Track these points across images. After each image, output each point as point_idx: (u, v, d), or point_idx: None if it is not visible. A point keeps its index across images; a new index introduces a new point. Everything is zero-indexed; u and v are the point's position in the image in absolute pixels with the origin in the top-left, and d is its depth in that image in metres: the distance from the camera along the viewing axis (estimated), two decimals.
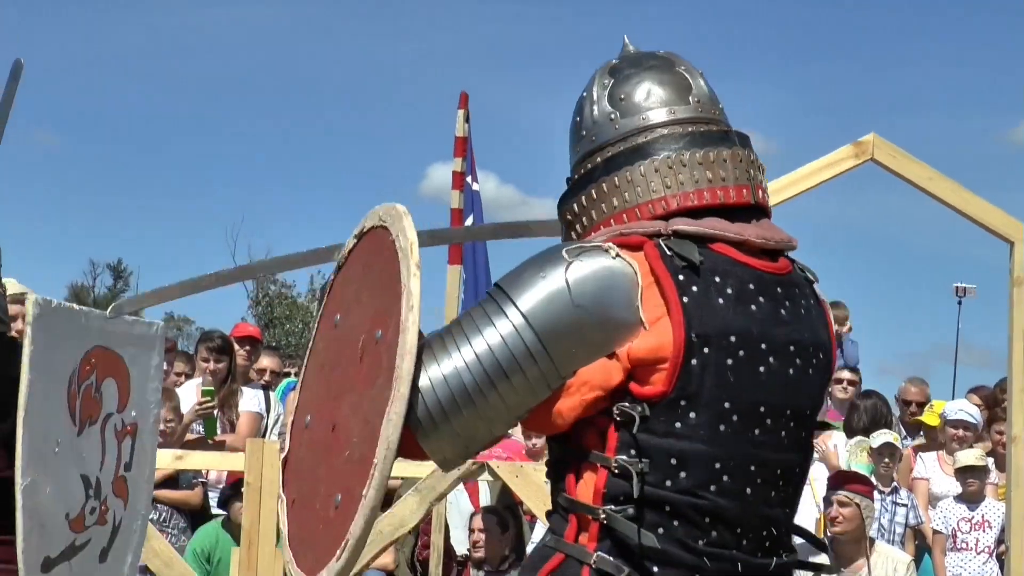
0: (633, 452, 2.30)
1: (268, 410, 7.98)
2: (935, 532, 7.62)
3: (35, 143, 51.06)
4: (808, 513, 7.86)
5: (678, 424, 2.30)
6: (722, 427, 2.32)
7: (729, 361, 2.32)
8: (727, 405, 2.32)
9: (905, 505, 7.59)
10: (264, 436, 7.71)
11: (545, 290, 2.30)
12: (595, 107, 2.54)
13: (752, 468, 2.35)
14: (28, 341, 3.29)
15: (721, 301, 2.33)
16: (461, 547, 7.50)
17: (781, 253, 2.49)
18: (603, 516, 2.31)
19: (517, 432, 8.10)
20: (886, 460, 7.61)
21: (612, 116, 2.51)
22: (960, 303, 23.90)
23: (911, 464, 8.09)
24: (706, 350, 2.30)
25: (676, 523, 2.31)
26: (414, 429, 2.29)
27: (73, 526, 3.38)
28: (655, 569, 2.29)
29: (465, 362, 2.28)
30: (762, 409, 2.35)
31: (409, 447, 2.31)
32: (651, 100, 2.50)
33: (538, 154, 56.10)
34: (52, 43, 49.92)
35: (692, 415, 2.30)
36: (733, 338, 2.33)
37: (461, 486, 6.95)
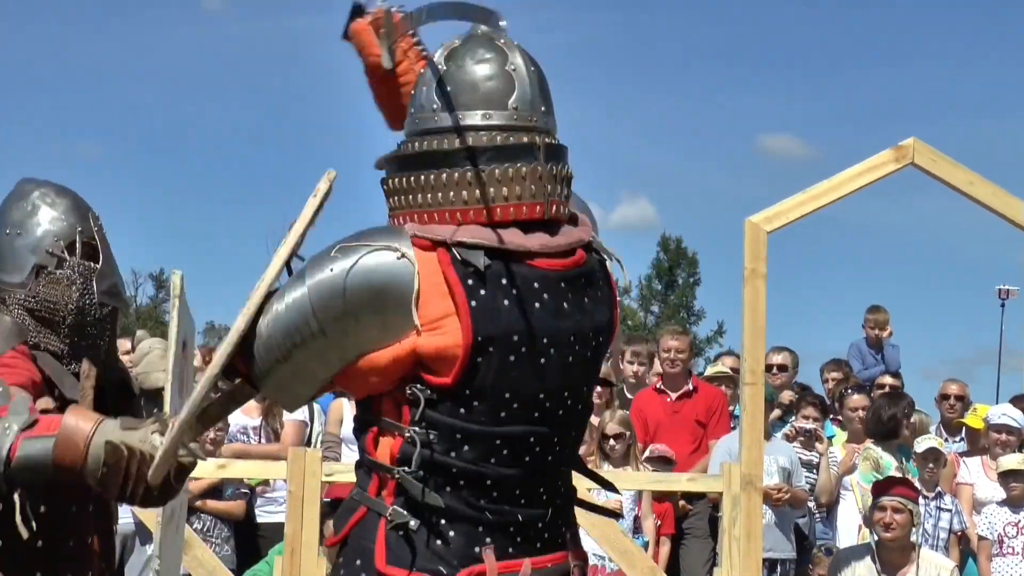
0: (424, 425, 2.61)
1: (312, 419, 8.01)
2: (980, 538, 7.56)
3: (78, 153, 51.51)
4: (852, 520, 7.85)
5: (462, 410, 2.61)
6: (503, 413, 2.62)
7: (512, 358, 2.60)
8: (507, 396, 2.62)
9: (949, 510, 7.54)
10: (309, 445, 7.73)
11: (329, 281, 2.59)
12: (425, 90, 2.71)
13: (531, 440, 2.66)
14: (177, 314, 3.57)
15: (506, 303, 2.59)
16: None
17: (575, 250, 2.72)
18: (397, 476, 2.63)
19: None
20: (930, 465, 7.56)
21: (435, 107, 2.69)
22: (1003, 306, 23.75)
23: (955, 469, 8.04)
24: (491, 349, 2.58)
25: (462, 484, 2.62)
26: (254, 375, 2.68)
27: None
28: (442, 522, 2.61)
29: (270, 332, 2.62)
30: (541, 396, 2.65)
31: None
32: (471, 100, 2.66)
33: (573, 158, 56.15)
34: (93, 53, 50.33)
35: (475, 403, 2.60)
36: (516, 337, 2.60)
37: None
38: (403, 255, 2.59)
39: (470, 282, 2.57)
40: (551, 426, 2.70)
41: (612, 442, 7.72)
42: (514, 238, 2.63)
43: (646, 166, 56.55)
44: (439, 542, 2.63)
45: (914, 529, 6.63)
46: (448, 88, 2.67)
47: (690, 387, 8.49)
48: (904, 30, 53.78)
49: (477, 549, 2.63)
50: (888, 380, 9.26)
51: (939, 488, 7.57)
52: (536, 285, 2.63)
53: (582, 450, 7.74)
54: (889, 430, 7.88)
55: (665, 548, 7.85)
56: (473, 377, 2.59)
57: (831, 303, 51.90)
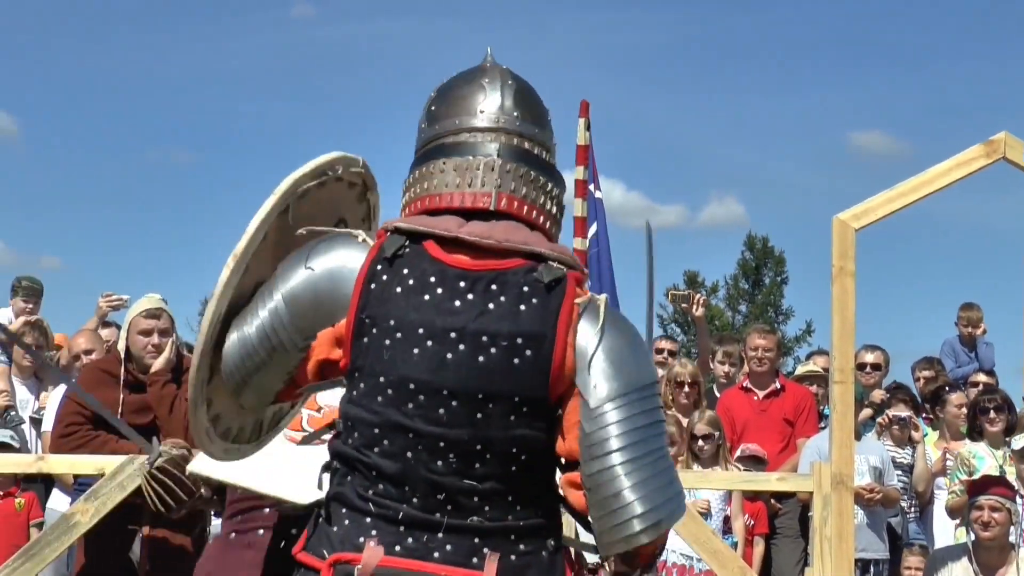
0: (341, 418, 2.77)
1: None
2: None
3: (174, 162, 52.24)
4: (947, 520, 7.76)
5: (354, 392, 2.73)
6: (379, 398, 2.70)
7: (387, 341, 2.69)
8: (382, 379, 2.69)
9: None
10: None
11: (297, 274, 2.81)
12: (422, 115, 2.96)
13: (409, 436, 2.68)
14: None
15: (399, 290, 2.71)
16: (591, 556, 7.48)
17: (514, 254, 2.75)
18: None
19: None
20: None
21: (422, 126, 2.93)
22: None
23: None
24: (374, 331, 2.70)
25: (356, 473, 2.72)
26: (225, 377, 2.88)
27: None
28: (342, 510, 2.72)
29: (251, 330, 2.84)
30: (412, 386, 2.68)
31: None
32: (447, 112, 2.90)
33: (663, 159, 55.95)
34: (186, 62, 51.09)
35: (361, 385, 2.72)
36: (392, 322, 2.69)
37: None
38: (364, 240, 2.81)
39: (379, 267, 2.73)
40: (430, 423, 2.68)
41: (701, 442, 7.71)
42: (442, 223, 2.76)
43: (735, 165, 56.02)
44: (334, 528, 2.73)
45: (1012, 528, 6.55)
46: (433, 108, 2.91)
47: (777, 386, 8.45)
48: (995, 22, 52.96)
49: (361, 539, 2.68)
50: (982, 378, 9.15)
51: None
52: (432, 279, 2.72)
53: (673, 451, 7.80)
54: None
55: (759, 548, 7.82)
56: (358, 357, 2.72)
57: (923, 301, 51.21)
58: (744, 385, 8.51)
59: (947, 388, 8.79)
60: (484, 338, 2.68)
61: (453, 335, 2.69)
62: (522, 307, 2.70)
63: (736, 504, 7.75)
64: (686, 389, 8.39)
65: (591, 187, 7.21)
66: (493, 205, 2.78)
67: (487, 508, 2.69)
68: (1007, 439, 7.94)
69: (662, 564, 7.52)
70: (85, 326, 8.43)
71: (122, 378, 6.13)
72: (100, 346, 8.02)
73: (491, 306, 2.70)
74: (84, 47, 51.87)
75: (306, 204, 2.90)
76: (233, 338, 2.84)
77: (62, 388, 7.02)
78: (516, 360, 2.68)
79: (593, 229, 7.21)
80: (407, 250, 2.74)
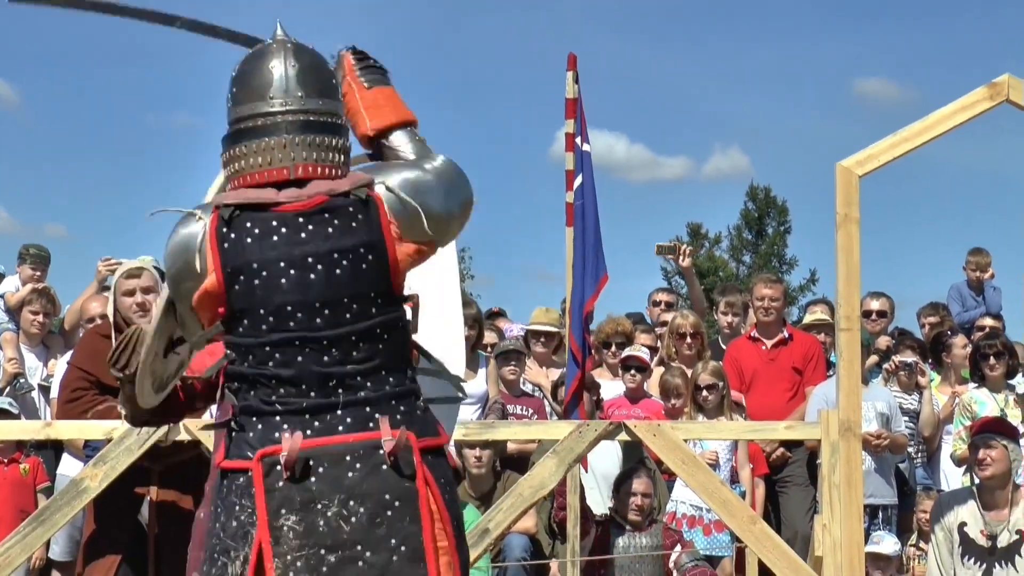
0: (230, 348, 3.40)
1: None
2: None
3: (174, 125, 52.14)
4: (953, 469, 7.78)
5: (240, 329, 3.36)
6: (263, 326, 3.34)
7: (256, 281, 3.33)
8: (261, 311, 3.33)
9: None
10: None
11: (167, 256, 3.44)
12: (227, 94, 3.52)
13: (296, 344, 3.33)
14: None
15: (249, 241, 3.34)
16: (598, 507, 7.52)
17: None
18: (226, 389, 3.42)
19: (655, 392, 8.10)
20: None
21: (228, 103, 3.51)
22: None
23: None
24: (241, 277, 3.33)
25: (258, 386, 3.34)
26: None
27: None
28: (252, 419, 3.33)
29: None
30: (289, 308, 3.33)
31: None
32: (244, 95, 3.47)
33: (666, 111, 55.72)
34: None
35: (245, 322, 3.35)
36: (255, 265, 3.33)
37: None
38: (200, 217, 3.40)
39: (225, 230, 3.34)
40: (313, 331, 3.33)
41: (705, 393, 7.71)
42: (265, 194, 3.38)
43: (739, 116, 55.80)
44: (249, 434, 3.33)
45: (1014, 468, 6.57)
46: (235, 89, 3.50)
47: (785, 335, 8.43)
48: None
49: (276, 434, 3.29)
50: (988, 322, 9.13)
51: None
52: (274, 223, 3.35)
53: (678, 403, 7.81)
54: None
55: (760, 490, 7.83)
56: (234, 302, 3.34)
57: (928, 247, 51.16)
58: (752, 335, 8.50)
59: (950, 332, 8.77)
60: (335, 255, 3.36)
61: (310, 260, 3.35)
62: (353, 224, 3.38)
63: (742, 454, 7.76)
64: (688, 340, 8.38)
65: (578, 140, 7.14)
66: (291, 175, 3.41)
67: (369, 383, 3.37)
68: (1009, 383, 7.95)
69: (672, 515, 7.54)
70: (85, 291, 8.42)
71: (113, 343, 6.12)
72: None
73: (330, 230, 3.37)
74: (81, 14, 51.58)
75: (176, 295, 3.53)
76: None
77: (69, 355, 7.02)
78: (364, 265, 3.37)
79: (579, 181, 7.14)
80: (239, 213, 3.36)
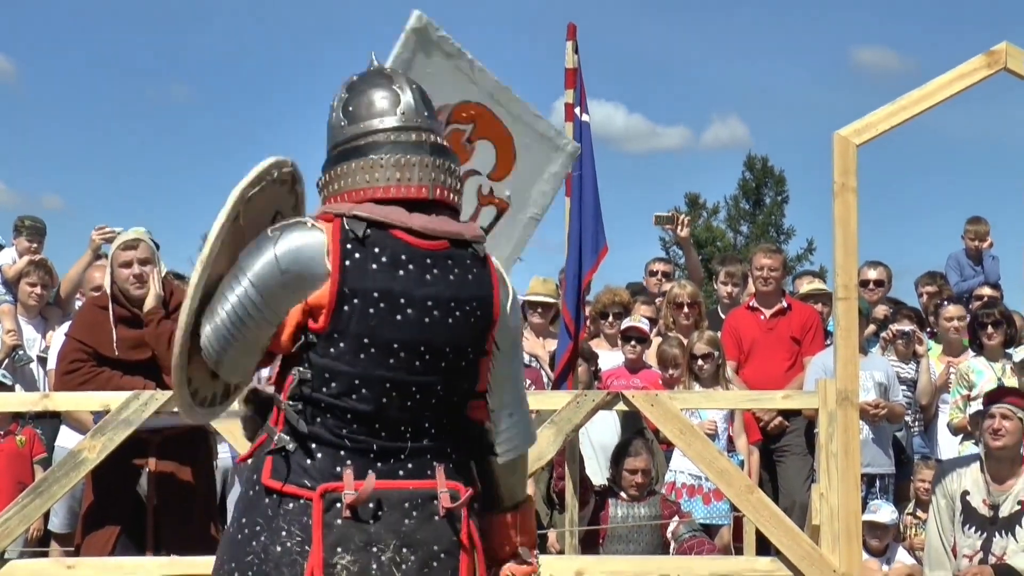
0: (306, 365, 3.26)
1: None
2: None
3: (173, 96, 51.98)
4: (950, 438, 7.78)
5: (332, 350, 3.24)
6: (362, 355, 3.24)
7: (371, 310, 3.23)
8: (366, 340, 3.23)
9: None
10: None
11: (262, 261, 3.25)
12: (333, 115, 3.43)
13: (387, 386, 3.26)
14: (399, 45, 4.02)
15: (375, 266, 3.24)
16: (596, 477, 7.53)
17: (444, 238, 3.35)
18: (282, 408, 3.29)
19: (654, 363, 8.11)
20: None
21: (342, 124, 3.40)
22: None
23: None
24: (355, 300, 3.22)
25: (328, 416, 3.26)
26: (210, 363, 3.35)
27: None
28: (312, 446, 3.25)
29: (224, 317, 3.29)
30: (395, 345, 3.25)
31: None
32: (368, 112, 3.38)
33: (665, 81, 55.55)
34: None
35: (341, 345, 3.23)
36: (376, 294, 3.23)
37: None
38: (313, 225, 3.26)
39: (349, 246, 3.23)
40: (408, 373, 3.27)
41: (701, 362, 7.72)
42: (396, 215, 3.27)
43: (737, 85, 55.65)
44: (308, 461, 3.25)
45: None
46: (351, 108, 3.39)
47: (784, 304, 8.43)
48: None
49: (338, 469, 3.24)
50: (987, 291, 9.13)
51: None
52: (404, 256, 3.26)
53: (675, 372, 7.82)
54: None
55: (754, 457, 7.85)
56: (339, 323, 3.22)
57: (926, 216, 51.12)
58: (751, 305, 8.50)
59: (944, 301, 8.77)
60: (452, 304, 3.32)
61: (429, 303, 3.29)
62: (469, 276, 3.36)
63: (738, 423, 7.77)
64: (685, 310, 8.38)
65: (577, 110, 7.12)
66: (431, 196, 3.33)
67: (434, 431, 3.34)
68: (1007, 351, 7.95)
69: (671, 485, 7.56)
70: (80, 260, 8.40)
71: (111, 314, 6.11)
72: None
73: (451, 277, 3.33)
74: None
75: (251, 207, 3.36)
76: (207, 329, 3.30)
77: (67, 326, 7.02)
78: (472, 319, 3.35)
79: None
80: (369, 232, 3.25)
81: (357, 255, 3.23)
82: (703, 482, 7.39)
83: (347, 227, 3.25)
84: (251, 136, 53.63)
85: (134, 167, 52.34)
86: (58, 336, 7.60)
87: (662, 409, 5.87)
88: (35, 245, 8.87)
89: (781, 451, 8.11)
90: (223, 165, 52.90)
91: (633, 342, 8.06)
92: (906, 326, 8.29)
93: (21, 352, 8.21)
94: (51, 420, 7.82)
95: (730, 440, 7.72)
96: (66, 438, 7.45)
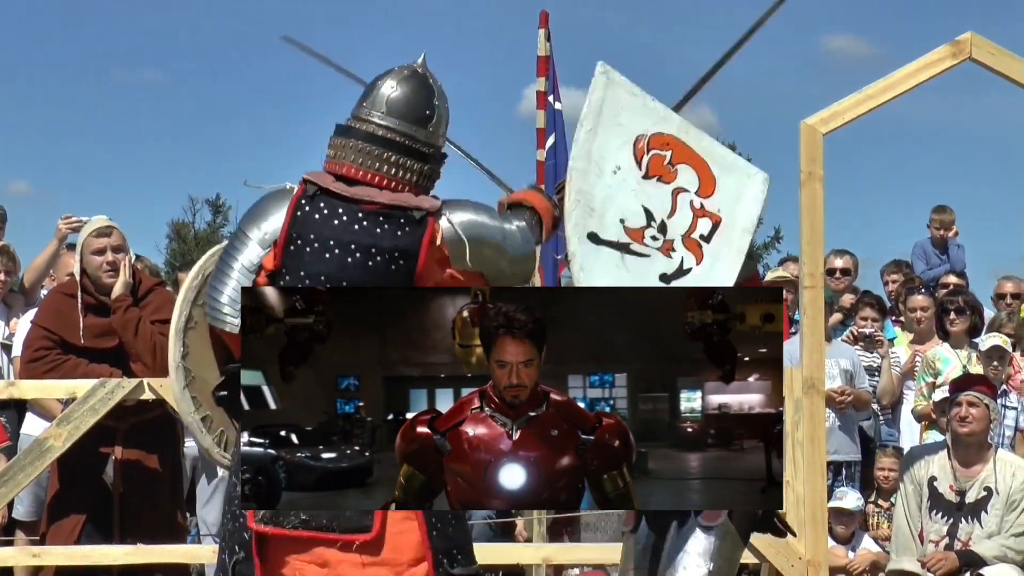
0: None
1: None
2: None
3: (142, 82, 51.64)
4: (913, 424, 7.83)
5: (281, 283, 4.01)
6: (300, 286, 3.99)
7: (307, 249, 3.96)
8: (301, 273, 3.97)
9: (1015, 408, 7.50)
10: None
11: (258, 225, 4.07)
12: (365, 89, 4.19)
13: None
14: (591, 86, 4.47)
15: (316, 217, 3.97)
16: None
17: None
18: None
19: None
20: (995, 363, 7.52)
21: (361, 102, 4.12)
22: None
23: (1015, 368, 7.96)
24: (298, 242, 3.97)
25: None
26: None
27: (629, 233, 4.45)
28: None
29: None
30: (322, 278, 3.95)
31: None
32: (360, 100, 4.12)
33: (633, 67, 55.51)
34: None
35: (287, 278, 3.99)
36: (312, 236, 3.96)
37: None
38: (292, 187, 4.03)
39: (302, 201, 3.99)
40: None
41: None
42: (336, 184, 3.98)
43: (706, 72, 55.58)
44: None
45: (992, 426, 6.59)
46: (365, 90, 4.13)
47: None
48: None
49: None
50: (952, 279, 9.18)
51: (1004, 386, 7.52)
52: (340, 210, 3.96)
53: None
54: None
55: None
56: (284, 261, 3.96)
57: (895, 205, 51.30)
58: None
59: (914, 290, 8.81)
60: (372, 250, 3.94)
61: (352, 247, 3.93)
62: (399, 233, 3.95)
63: None
64: None
65: (550, 98, 7.13)
66: (343, 173, 4.01)
67: None
68: (973, 340, 8.00)
69: None
70: (45, 250, 8.33)
71: (79, 302, 6.08)
72: None
73: (378, 231, 3.95)
74: None
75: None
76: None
77: (31, 313, 6.98)
78: (393, 267, 3.94)
79: (551, 140, 7.15)
80: (318, 192, 3.97)
81: (307, 208, 3.98)
82: None
83: (308, 190, 4.01)
84: (223, 123, 53.36)
85: (104, 153, 52.00)
86: (23, 324, 7.54)
87: None
88: None
89: None
90: (193, 154, 52.61)
91: None
92: (867, 328, 8.29)
93: None
94: (15, 408, 7.77)
95: None
96: (31, 426, 7.39)
